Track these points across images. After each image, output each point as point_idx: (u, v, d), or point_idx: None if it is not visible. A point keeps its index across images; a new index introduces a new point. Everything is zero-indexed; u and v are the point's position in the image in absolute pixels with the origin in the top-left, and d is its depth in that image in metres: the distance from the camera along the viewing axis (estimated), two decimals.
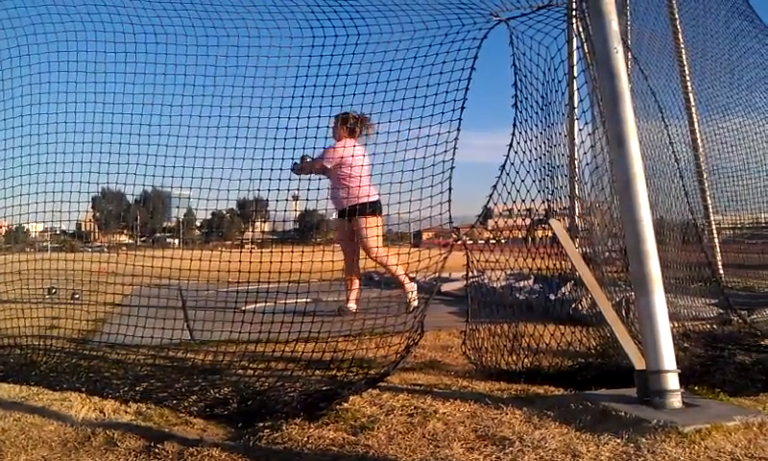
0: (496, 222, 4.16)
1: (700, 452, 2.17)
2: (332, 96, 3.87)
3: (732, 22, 7.90)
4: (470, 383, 3.38)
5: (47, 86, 4.16)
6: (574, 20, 4.14)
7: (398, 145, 3.76)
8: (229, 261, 4.23)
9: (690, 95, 7.73)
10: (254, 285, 4.07)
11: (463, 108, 3.49)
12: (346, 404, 2.85)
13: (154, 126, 4.17)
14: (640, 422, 2.44)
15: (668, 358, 2.68)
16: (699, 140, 7.77)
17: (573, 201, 4.50)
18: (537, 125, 3.86)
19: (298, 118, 3.91)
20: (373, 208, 6.14)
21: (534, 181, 3.82)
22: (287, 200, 4.14)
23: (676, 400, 2.63)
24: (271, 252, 4.03)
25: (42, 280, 4.46)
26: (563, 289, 4.96)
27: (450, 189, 3.47)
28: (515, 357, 3.64)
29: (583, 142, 4.04)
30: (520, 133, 3.65)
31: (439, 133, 3.59)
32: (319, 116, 3.90)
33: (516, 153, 3.65)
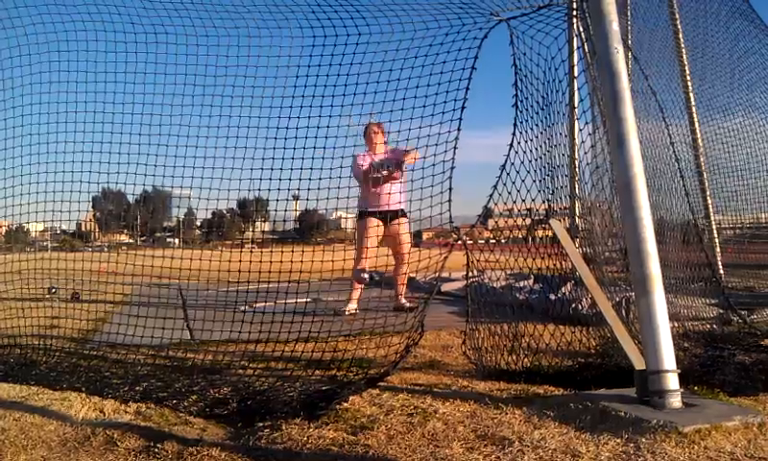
0: (497, 222, 4.16)
1: (699, 452, 2.17)
2: (332, 96, 3.88)
3: (732, 22, 7.89)
4: (470, 383, 3.38)
5: (47, 86, 4.17)
6: (575, 20, 4.14)
7: (399, 145, 3.76)
8: (230, 261, 4.23)
9: (691, 95, 7.73)
10: (255, 285, 4.07)
11: (463, 107, 3.50)
12: (345, 404, 2.85)
13: (154, 126, 4.18)
14: (640, 422, 2.44)
15: (668, 358, 2.68)
16: (699, 140, 7.77)
17: (573, 201, 4.50)
18: (537, 125, 3.86)
19: (298, 118, 3.91)
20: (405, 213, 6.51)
21: (534, 181, 3.82)
22: (287, 199, 4.14)
23: (676, 401, 2.63)
24: (271, 251, 4.03)
25: (42, 280, 4.46)
26: (563, 289, 4.95)
27: (451, 189, 3.48)
28: (514, 357, 3.64)
29: (583, 142, 4.04)
30: (521, 132, 3.66)
31: (439, 133, 3.59)
32: (319, 116, 3.91)
33: (516, 153, 3.66)
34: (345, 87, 3.85)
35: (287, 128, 3.93)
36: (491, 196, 3.62)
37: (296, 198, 5.03)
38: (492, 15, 3.68)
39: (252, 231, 7.99)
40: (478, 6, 3.67)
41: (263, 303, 4.28)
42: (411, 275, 8.31)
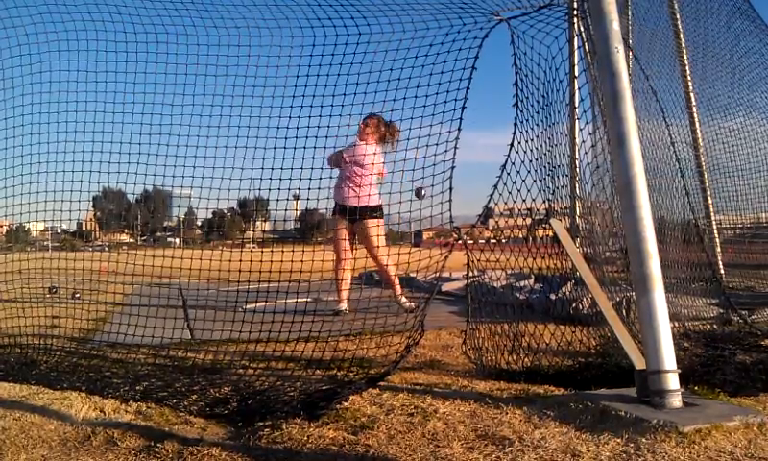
0: (497, 221, 4.16)
1: (700, 452, 2.17)
2: (333, 96, 3.88)
3: (733, 22, 7.89)
4: (471, 383, 3.38)
5: (48, 86, 4.17)
6: (575, 20, 4.14)
7: (399, 144, 3.76)
8: (230, 261, 4.24)
9: (691, 95, 7.73)
10: (255, 285, 4.07)
11: (464, 107, 3.49)
12: (346, 404, 2.85)
13: (154, 125, 4.17)
14: (640, 421, 2.44)
15: (668, 358, 2.68)
16: (700, 140, 7.77)
17: (574, 200, 4.50)
18: (538, 124, 3.86)
19: (298, 118, 3.91)
20: (380, 212, 6.33)
21: (535, 181, 3.82)
22: (288, 199, 4.14)
23: (676, 400, 2.63)
24: (271, 251, 4.03)
25: (43, 279, 4.46)
26: (563, 289, 4.95)
27: (451, 189, 3.48)
28: (515, 357, 3.64)
29: (584, 142, 4.04)
30: (521, 132, 3.65)
31: (440, 133, 3.59)
32: (320, 116, 3.91)
33: (516, 152, 3.65)
34: (345, 87, 3.85)
35: (287, 127, 3.93)
36: (491, 196, 3.62)
37: (296, 198, 5.04)
38: (493, 15, 3.67)
39: (253, 231, 8.00)
40: (479, 6, 3.67)
41: (263, 303, 4.26)
42: (411, 274, 8.32)
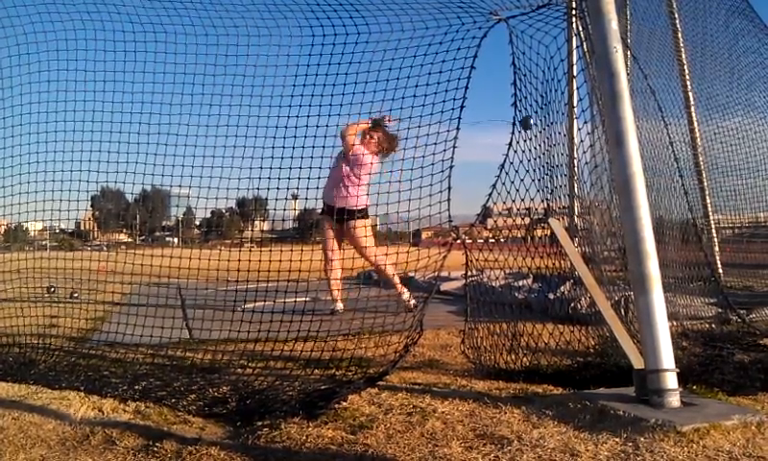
0: (496, 221, 4.16)
1: (698, 451, 2.18)
2: (332, 95, 3.88)
3: (731, 21, 7.90)
4: (469, 382, 3.38)
5: (46, 85, 4.17)
6: (574, 19, 4.14)
7: (398, 144, 3.76)
8: (228, 260, 4.24)
9: (690, 94, 7.73)
10: (253, 284, 4.07)
11: (462, 106, 3.49)
12: (344, 403, 2.85)
13: (153, 125, 4.18)
14: (639, 421, 2.44)
15: (667, 357, 2.68)
16: (698, 139, 7.77)
17: (572, 200, 4.50)
18: (536, 124, 3.86)
19: (297, 117, 3.92)
20: (365, 213, 6.29)
21: (533, 181, 3.82)
22: (286, 199, 4.14)
23: (674, 400, 2.64)
24: (270, 250, 4.03)
25: (41, 279, 4.45)
26: (562, 288, 4.96)
27: (450, 188, 3.47)
28: (513, 356, 3.64)
29: (582, 141, 4.05)
30: (520, 132, 3.66)
31: (438, 132, 3.59)
32: (318, 115, 3.91)
33: (515, 152, 3.66)
34: (344, 87, 3.85)
35: (286, 127, 3.93)
36: (489, 195, 3.62)
37: (295, 197, 5.03)
38: (492, 15, 3.67)
39: (252, 231, 8.00)
40: (477, 5, 3.67)
41: (261, 303, 4.26)
42: (410, 274, 8.31)
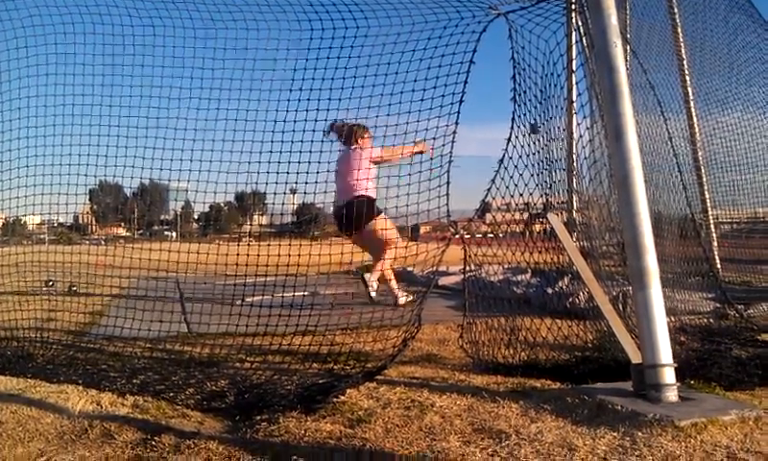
0: (494, 216, 4.16)
1: (696, 446, 2.18)
2: (330, 89, 3.86)
3: (731, 17, 7.88)
4: (467, 377, 3.38)
5: (44, 79, 4.15)
6: (573, 14, 4.13)
7: (396, 139, 3.76)
8: (227, 254, 4.24)
9: (689, 89, 7.73)
10: (252, 278, 4.07)
11: (461, 101, 3.49)
12: (343, 397, 2.86)
13: (151, 118, 4.17)
14: (636, 415, 2.45)
15: (665, 352, 2.68)
16: (697, 135, 7.77)
17: (571, 195, 4.50)
18: (535, 119, 3.86)
19: (296, 111, 3.91)
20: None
21: (532, 176, 3.83)
22: (285, 193, 4.13)
23: (672, 394, 2.64)
24: (268, 245, 4.03)
25: (40, 273, 4.45)
26: (560, 283, 4.96)
27: (448, 183, 3.47)
28: (511, 351, 3.65)
29: (581, 136, 4.04)
30: (519, 126, 3.66)
31: (437, 127, 3.59)
32: (317, 109, 3.90)
33: (514, 147, 3.66)
34: (343, 81, 3.84)
35: (284, 121, 3.93)
36: (488, 190, 3.62)
37: (293, 191, 5.03)
38: (491, 9, 3.67)
39: (250, 225, 7.99)
40: (477, 0, 3.67)
41: (260, 297, 4.26)
42: (408, 268, 8.34)
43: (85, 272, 4.47)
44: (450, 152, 3.49)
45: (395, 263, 6.39)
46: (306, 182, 3.95)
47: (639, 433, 2.29)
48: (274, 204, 4.13)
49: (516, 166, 3.69)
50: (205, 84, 4.12)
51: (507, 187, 3.69)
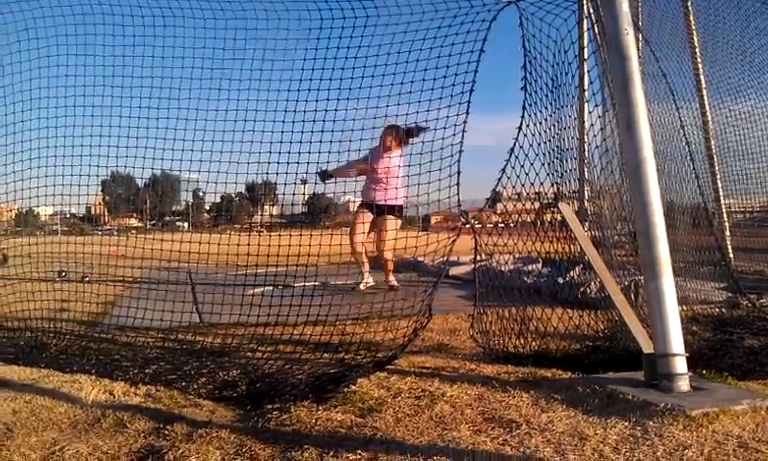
0: (505, 205, 4.15)
1: (707, 436, 2.17)
2: (341, 79, 3.86)
3: (743, 2, 7.80)
4: (478, 366, 3.38)
5: (56, 70, 4.17)
6: (584, 1, 4.10)
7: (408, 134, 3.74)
8: (238, 245, 4.25)
9: (701, 77, 7.66)
10: (263, 269, 4.08)
11: (472, 90, 3.47)
12: (353, 387, 2.86)
13: (162, 109, 4.18)
14: (648, 405, 2.44)
15: (676, 342, 2.67)
16: (710, 123, 7.71)
17: (582, 184, 4.48)
18: (546, 107, 3.84)
19: (306, 101, 3.91)
20: (399, 211, 7.01)
21: (543, 165, 3.81)
22: (295, 183, 4.13)
23: (684, 384, 2.63)
24: (279, 235, 4.04)
25: (52, 263, 4.48)
26: (571, 273, 4.95)
27: (459, 173, 3.46)
28: (522, 341, 3.65)
29: (593, 125, 4.01)
30: (530, 115, 3.63)
31: (447, 116, 3.57)
32: (327, 99, 3.89)
33: (525, 136, 3.64)
34: (353, 70, 3.83)
35: (295, 111, 3.93)
36: (499, 179, 3.61)
37: (304, 182, 5.04)
38: None
39: (261, 215, 8.00)
40: None
41: (271, 287, 4.27)
42: (419, 258, 8.39)
43: (98, 262, 4.49)
44: (461, 141, 3.47)
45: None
46: (317, 173, 3.95)
47: (651, 423, 2.29)
48: (284, 194, 4.13)
49: (527, 155, 3.67)
50: (216, 74, 4.13)
51: (518, 177, 3.67)
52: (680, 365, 2.65)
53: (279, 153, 3.93)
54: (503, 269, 4.58)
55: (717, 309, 4.73)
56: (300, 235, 3.94)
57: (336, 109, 3.95)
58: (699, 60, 7.61)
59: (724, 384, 2.82)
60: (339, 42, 3.82)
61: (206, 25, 4.03)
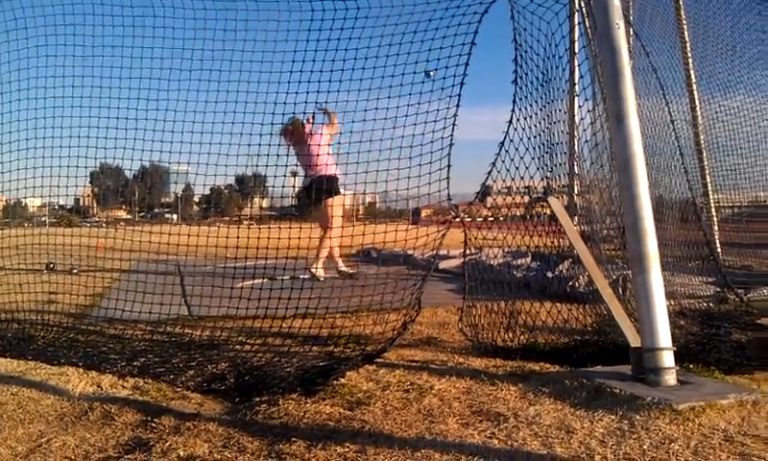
0: (495, 199, 4.15)
1: (694, 429, 2.19)
2: (331, 71, 3.84)
3: None
4: (466, 360, 3.39)
5: (44, 60, 4.14)
6: None
7: (397, 121, 3.74)
8: (228, 237, 4.24)
9: (692, 72, 7.67)
10: (253, 261, 4.07)
11: (462, 83, 3.47)
12: (342, 380, 2.86)
13: (152, 101, 4.15)
14: (635, 399, 2.45)
15: (664, 336, 2.68)
16: (699, 118, 7.73)
17: (572, 178, 4.49)
18: (537, 101, 3.84)
19: (296, 93, 3.89)
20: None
21: (533, 159, 3.81)
22: (285, 176, 4.12)
23: (671, 378, 2.65)
24: (269, 228, 4.03)
25: (40, 255, 4.45)
26: (560, 267, 4.96)
27: (449, 166, 3.46)
28: (511, 334, 3.65)
29: (582, 119, 4.02)
30: (520, 109, 3.63)
31: (438, 109, 3.56)
32: (317, 91, 3.87)
33: (515, 129, 3.64)
34: (343, 63, 3.82)
35: (285, 103, 3.91)
36: (489, 173, 3.61)
37: (293, 174, 5.03)
38: None
39: (251, 208, 7.99)
40: None
41: (260, 280, 4.26)
42: (409, 251, 8.39)
43: (86, 254, 4.47)
44: (451, 135, 3.46)
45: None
46: (307, 166, 3.94)
47: (637, 416, 2.30)
48: (274, 186, 4.12)
49: (516, 149, 3.67)
50: (206, 65, 4.11)
51: (508, 170, 3.67)
52: (667, 359, 2.66)
53: (269, 145, 3.93)
54: (492, 263, 4.59)
55: (705, 304, 4.76)
56: (290, 228, 3.93)
57: (327, 102, 3.95)
58: (689, 55, 7.63)
59: (711, 378, 2.83)
60: (329, 34, 3.81)
61: (196, 16, 4.01)
